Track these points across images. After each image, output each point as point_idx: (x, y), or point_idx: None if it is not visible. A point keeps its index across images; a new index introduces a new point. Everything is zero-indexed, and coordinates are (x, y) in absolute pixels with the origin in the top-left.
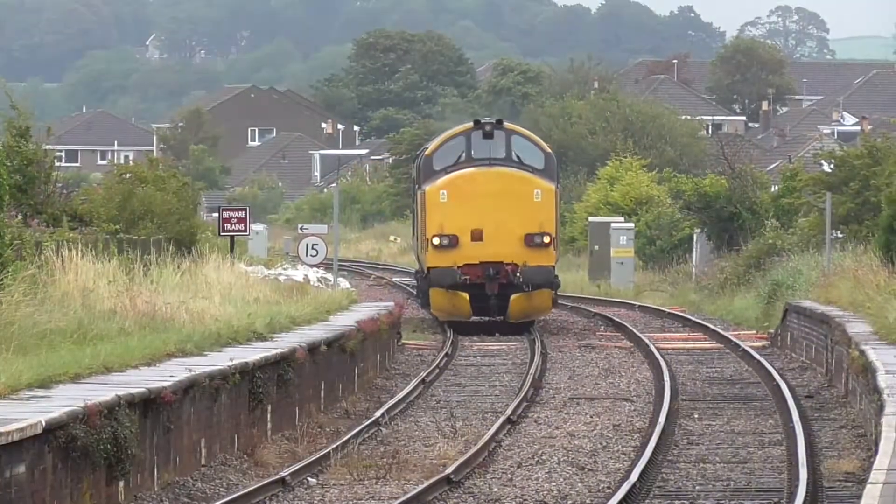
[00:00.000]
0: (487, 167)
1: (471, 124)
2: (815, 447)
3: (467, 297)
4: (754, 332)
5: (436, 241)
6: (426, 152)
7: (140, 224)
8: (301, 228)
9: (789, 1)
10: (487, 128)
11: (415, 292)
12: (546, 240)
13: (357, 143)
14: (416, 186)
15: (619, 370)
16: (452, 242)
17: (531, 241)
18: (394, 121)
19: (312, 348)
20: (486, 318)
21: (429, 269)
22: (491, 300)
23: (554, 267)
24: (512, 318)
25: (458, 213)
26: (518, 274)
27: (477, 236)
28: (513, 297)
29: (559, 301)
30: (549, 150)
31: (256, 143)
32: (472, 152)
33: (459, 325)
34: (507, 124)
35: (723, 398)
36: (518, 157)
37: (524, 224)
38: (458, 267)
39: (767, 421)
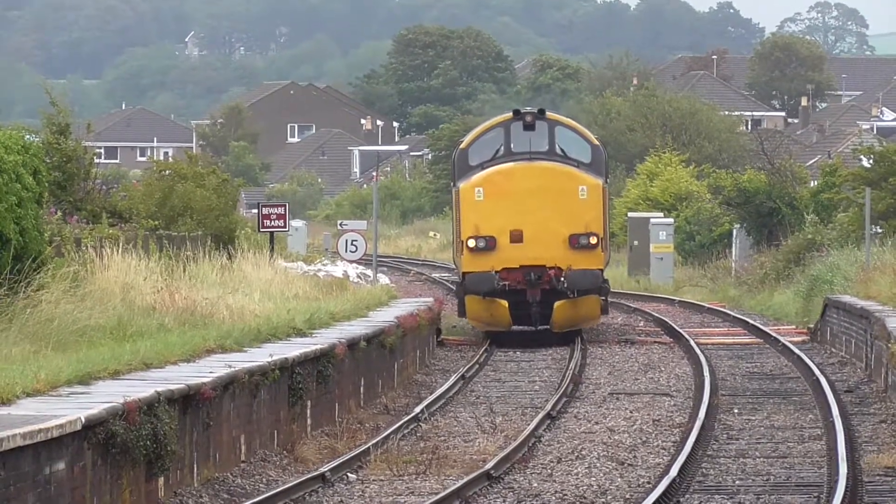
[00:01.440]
0: (528, 162)
1: (510, 115)
2: (854, 442)
3: (506, 305)
4: (794, 327)
5: (471, 243)
6: (461, 146)
7: (179, 220)
8: (340, 225)
9: None
10: (528, 118)
11: (454, 288)
12: (593, 240)
13: (396, 139)
14: (452, 184)
15: (659, 365)
16: (489, 245)
17: (576, 242)
18: (433, 117)
19: (352, 344)
20: (528, 328)
21: (464, 274)
22: (532, 308)
23: (602, 271)
24: (556, 328)
25: (496, 212)
26: (562, 278)
27: (517, 238)
28: (556, 304)
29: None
30: (596, 143)
31: (296, 139)
32: (512, 146)
33: (497, 335)
34: (549, 114)
35: (762, 393)
36: (562, 150)
37: (568, 224)
38: (496, 272)
39: (807, 416)
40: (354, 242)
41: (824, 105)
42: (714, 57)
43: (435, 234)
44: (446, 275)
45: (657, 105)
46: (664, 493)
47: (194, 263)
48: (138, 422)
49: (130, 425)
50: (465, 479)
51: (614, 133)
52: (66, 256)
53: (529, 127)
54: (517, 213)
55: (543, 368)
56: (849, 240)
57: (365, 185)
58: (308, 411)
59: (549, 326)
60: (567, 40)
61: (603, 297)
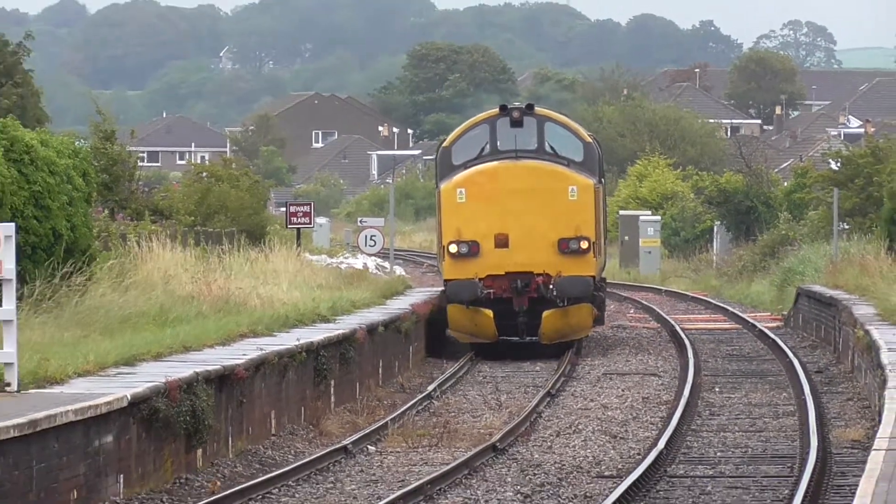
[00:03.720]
0: (513, 160)
1: (496, 110)
2: (824, 418)
3: (491, 315)
4: (769, 313)
5: (453, 248)
6: (444, 144)
7: (215, 218)
8: (360, 221)
9: (800, 15)
10: (515, 114)
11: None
12: (584, 245)
13: (411, 144)
14: (435, 184)
15: (648, 348)
16: (472, 250)
17: (566, 246)
18: (444, 125)
19: (371, 329)
20: (515, 340)
21: (445, 281)
22: (519, 318)
23: (594, 277)
24: (545, 339)
25: (479, 215)
26: (551, 286)
27: (501, 242)
28: (545, 313)
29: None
30: (589, 140)
31: (320, 144)
32: (498, 143)
33: (481, 348)
34: (538, 109)
35: (741, 373)
36: (552, 147)
37: (557, 227)
38: (480, 279)
39: (781, 394)
40: (373, 237)
41: (796, 113)
42: (696, 70)
43: None
44: None
45: (644, 113)
46: (653, 464)
47: (228, 256)
48: (179, 399)
49: (172, 402)
50: (474, 451)
51: (605, 139)
52: (112, 250)
53: (517, 123)
54: (502, 215)
55: (544, 351)
56: (818, 235)
57: (382, 186)
58: (332, 390)
59: (537, 338)
60: (564, 55)
61: (595, 307)
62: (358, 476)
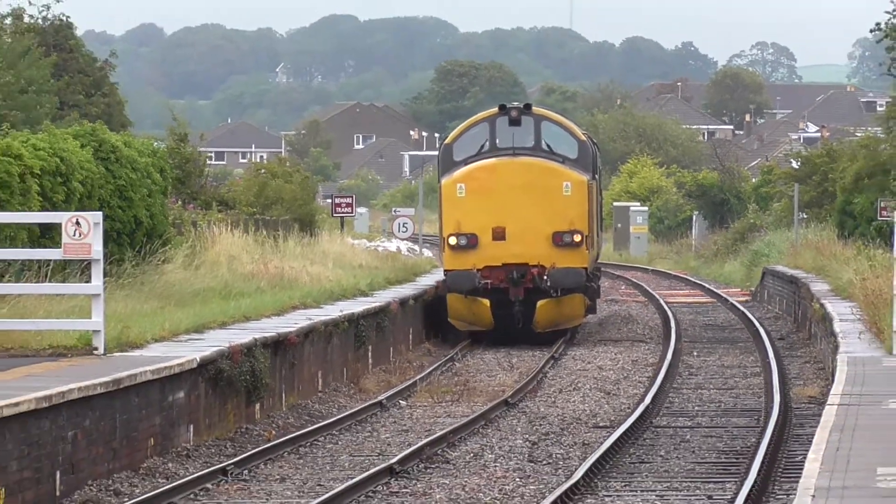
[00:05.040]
0: (511, 157)
1: (496, 109)
2: (785, 378)
3: (488, 304)
4: (739, 289)
5: (452, 240)
6: (446, 141)
7: (272, 208)
8: (394, 211)
9: (766, 37)
10: (514, 113)
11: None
12: (577, 238)
13: (437, 146)
14: (437, 180)
15: (636, 319)
16: (471, 242)
17: (560, 239)
18: None
19: (403, 302)
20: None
21: (445, 271)
22: (515, 307)
23: (586, 269)
24: (539, 328)
25: (478, 209)
26: (545, 277)
27: (499, 235)
28: (539, 303)
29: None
30: (583, 138)
31: (360, 146)
32: (497, 141)
33: (477, 335)
34: (536, 109)
35: (715, 340)
36: (548, 145)
37: (552, 221)
38: (478, 270)
39: (749, 357)
40: (405, 224)
41: (763, 120)
42: (679, 83)
43: None
44: None
45: (634, 120)
46: (640, 416)
47: (283, 241)
48: (240, 361)
49: (234, 364)
50: (489, 405)
51: (601, 141)
52: (184, 235)
53: (515, 122)
54: (499, 209)
55: (537, 339)
56: (781, 223)
57: (413, 182)
58: (369, 353)
59: (532, 326)
60: (567, 71)
61: (587, 297)
62: (391, 426)
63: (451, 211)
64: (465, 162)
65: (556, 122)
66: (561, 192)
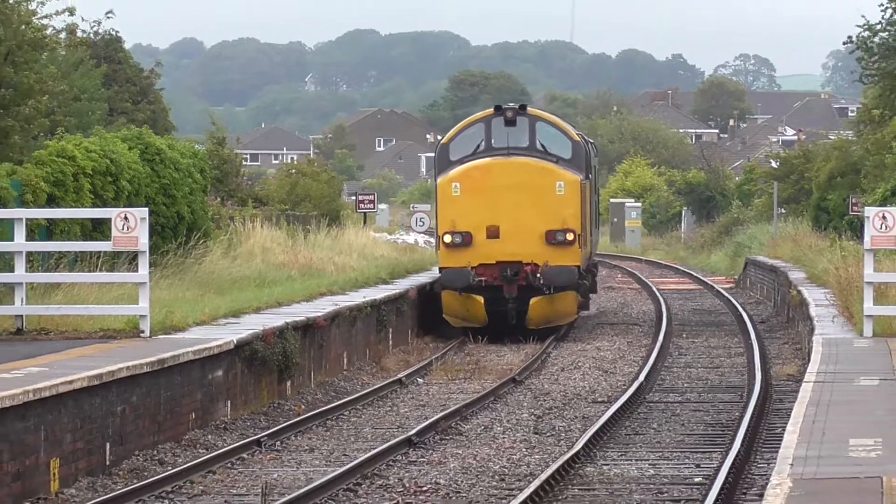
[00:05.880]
0: (505, 157)
1: (491, 110)
2: (766, 357)
3: (482, 301)
4: (724, 278)
5: (447, 238)
6: (443, 141)
7: (302, 204)
8: (412, 207)
9: (748, 49)
10: (509, 114)
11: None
12: (569, 237)
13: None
14: (434, 179)
15: (631, 304)
16: (466, 240)
17: (553, 238)
18: None
19: (420, 289)
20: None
21: (440, 269)
22: (509, 304)
23: (579, 267)
24: (532, 325)
25: (472, 207)
26: (538, 275)
27: (493, 233)
28: (532, 300)
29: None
30: (577, 138)
31: (382, 148)
32: (492, 141)
33: (473, 331)
34: (531, 110)
35: (702, 323)
36: (542, 145)
37: (545, 220)
38: (473, 267)
39: (733, 339)
40: (422, 219)
41: (745, 125)
42: (669, 91)
43: None
44: None
45: (629, 125)
46: (635, 392)
47: (312, 234)
48: (273, 343)
49: (268, 345)
50: (498, 383)
51: (599, 144)
52: (223, 229)
53: (510, 122)
54: (494, 208)
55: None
56: (762, 217)
57: (429, 181)
58: (390, 336)
59: (525, 323)
60: (568, 80)
61: (579, 294)
62: (410, 401)
63: (447, 209)
64: (461, 161)
65: (551, 122)
66: (554, 192)
